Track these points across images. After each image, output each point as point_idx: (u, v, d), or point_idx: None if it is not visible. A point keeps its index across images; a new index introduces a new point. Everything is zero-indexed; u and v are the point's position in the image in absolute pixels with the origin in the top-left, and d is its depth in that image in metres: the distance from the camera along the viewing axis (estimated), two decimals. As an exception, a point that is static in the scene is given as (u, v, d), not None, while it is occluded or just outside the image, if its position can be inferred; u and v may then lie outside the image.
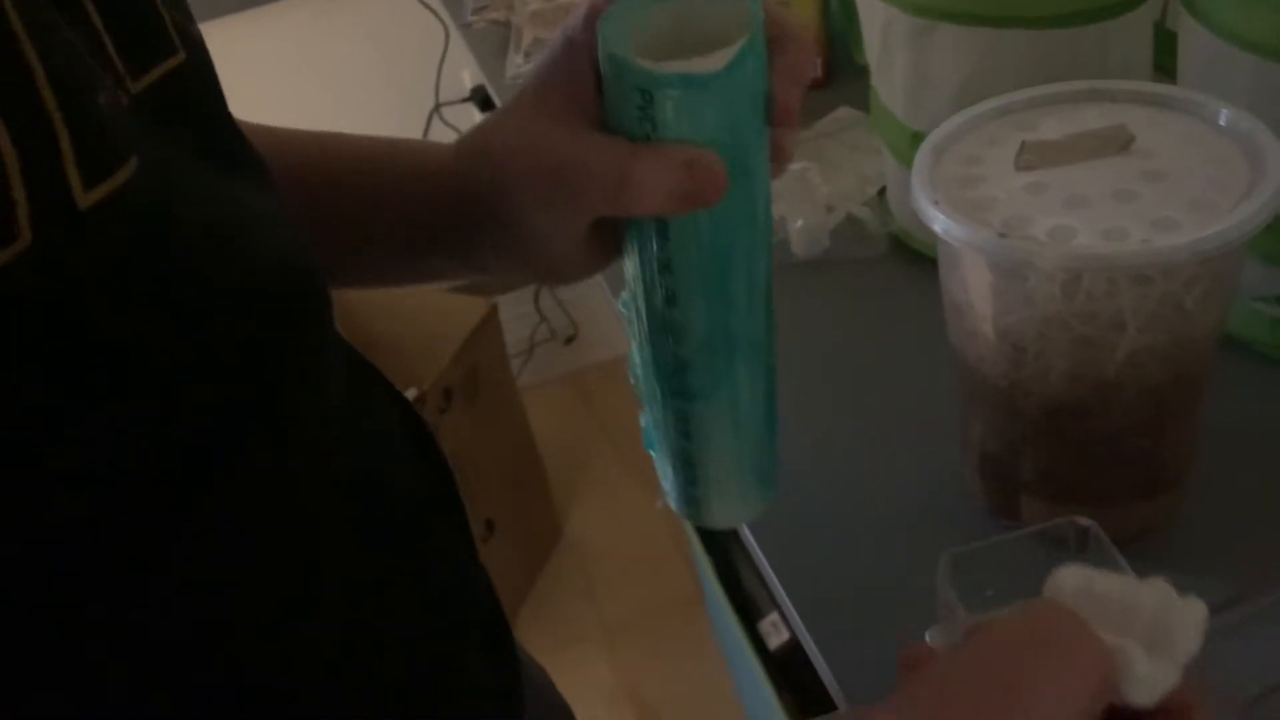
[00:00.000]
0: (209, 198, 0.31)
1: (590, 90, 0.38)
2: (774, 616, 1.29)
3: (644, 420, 0.45)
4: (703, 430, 0.42)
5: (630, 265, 0.40)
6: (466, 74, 1.69)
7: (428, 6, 1.52)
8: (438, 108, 1.74)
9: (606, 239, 0.40)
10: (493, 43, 1.22)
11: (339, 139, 0.46)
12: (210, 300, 0.30)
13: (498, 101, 1.16)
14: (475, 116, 1.77)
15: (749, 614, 1.32)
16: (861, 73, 0.88)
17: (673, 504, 0.46)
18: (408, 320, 1.63)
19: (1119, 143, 0.52)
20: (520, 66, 1.09)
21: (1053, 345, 0.51)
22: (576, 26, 0.39)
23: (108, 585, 0.28)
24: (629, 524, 1.84)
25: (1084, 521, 0.47)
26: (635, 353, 0.43)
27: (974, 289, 0.52)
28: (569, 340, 2.09)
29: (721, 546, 1.41)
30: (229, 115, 0.35)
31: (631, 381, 0.44)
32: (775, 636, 1.27)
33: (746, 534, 0.63)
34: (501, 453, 1.66)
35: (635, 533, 1.83)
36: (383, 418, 0.42)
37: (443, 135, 1.77)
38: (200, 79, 0.33)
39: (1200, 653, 0.34)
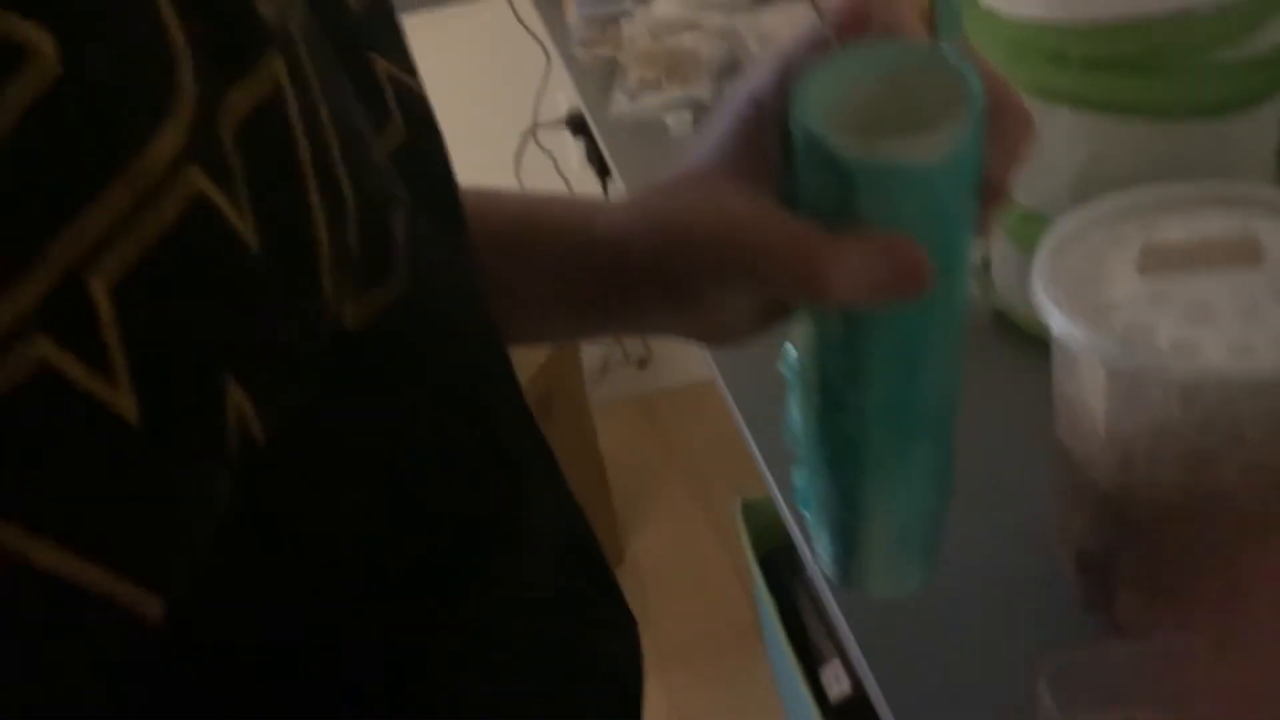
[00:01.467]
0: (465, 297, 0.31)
1: (775, 160, 0.35)
2: (836, 664, 1.28)
3: (798, 479, 0.42)
4: (867, 508, 0.39)
5: (802, 334, 0.37)
6: (561, 95, 1.70)
7: (531, 33, 1.54)
8: (534, 128, 1.76)
9: (778, 306, 0.38)
10: (595, 75, 1.23)
11: (487, 194, 0.43)
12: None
13: (596, 133, 1.17)
14: (568, 141, 1.79)
15: (809, 658, 1.31)
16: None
17: (825, 568, 0.44)
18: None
19: (1247, 253, 0.52)
20: (626, 106, 1.10)
21: (1166, 453, 0.51)
22: (767, 90, 0.36)
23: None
24: (690, 550, 1.84)
25: (1188, 636, 0.47)
26: (796, 415, 0.40)
27: (1089, 390, 0.52)
28: (642, 364, 2.10)
29: (785, 585, 1.40)
30: (455, 186, 0.34)
31: (786, 439, 0.42)
32: (836, 686, 1.26)
33: (813, 575, 0.62)
34: (571, 471, 1.67)
35: (695, 560, 1.83)
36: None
37: (535, 156, 1.79)
38: (428, 148, 0.32)
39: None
